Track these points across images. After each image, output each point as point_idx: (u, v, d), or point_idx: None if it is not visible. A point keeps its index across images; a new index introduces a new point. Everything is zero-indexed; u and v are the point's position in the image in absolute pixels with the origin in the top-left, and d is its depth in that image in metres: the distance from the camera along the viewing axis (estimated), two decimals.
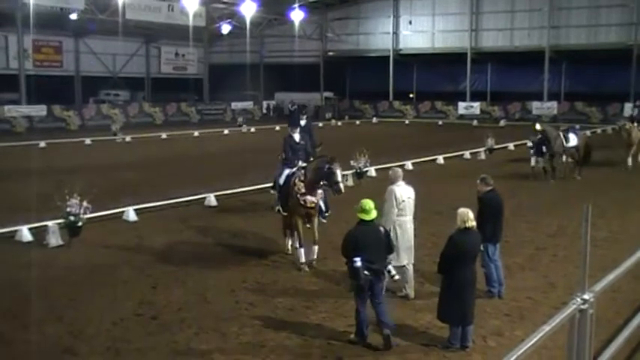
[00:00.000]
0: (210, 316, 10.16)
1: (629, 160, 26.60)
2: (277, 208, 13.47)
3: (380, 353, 8.77)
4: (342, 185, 12.45)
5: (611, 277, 6.23)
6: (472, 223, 9.04)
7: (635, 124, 27.17)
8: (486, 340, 9.16)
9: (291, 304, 10.62)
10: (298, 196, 12.65)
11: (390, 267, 9.27)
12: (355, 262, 8.77)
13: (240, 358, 8.62)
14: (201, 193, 19.66)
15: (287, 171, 13.37)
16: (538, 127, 23.69)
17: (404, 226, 10.80)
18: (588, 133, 38.27)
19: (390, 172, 11.36)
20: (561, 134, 23.52)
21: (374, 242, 9.00)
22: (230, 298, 10.93)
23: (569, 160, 24.48)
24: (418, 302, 10.65)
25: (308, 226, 12.78)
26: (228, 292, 11.22)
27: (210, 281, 11.87)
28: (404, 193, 10.83)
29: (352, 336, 9.17)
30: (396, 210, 10.72)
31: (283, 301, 10.76)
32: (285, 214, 13.17)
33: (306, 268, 12.46)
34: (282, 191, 13.23)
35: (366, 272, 8.80)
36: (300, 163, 13.40)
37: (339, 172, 12.34)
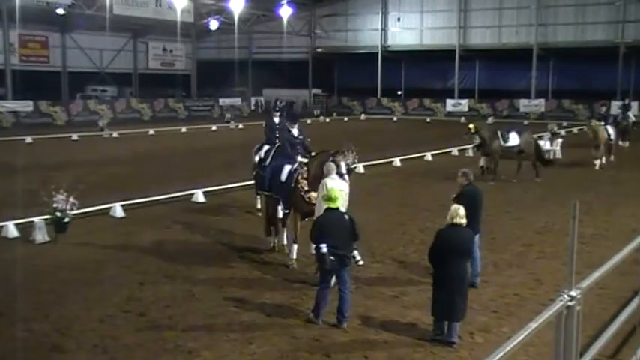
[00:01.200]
0: (198, 312, 10.14)
1: (597, 162, 26.06)
2: (261, 193, 13.28)
3: (368, 348, 8.78)
4: (347, 177, 12.61)
5: (597, 273, 6.26)
6: (461, 220, 9.06)
7: (603, 124, 26.79)
8: (473, 336, 9.20)
9: (279, 301, 10.62)
10: (302, 194, 12.66)
11: (355, 252, 9.66)
12: (321, 247, 9.36)
13: (228, 355, 8.61)
14: (188, 190, 19.62)
15: (288, 167, 13.23)
16: (471, 126, 23.14)
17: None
18: (563, 132, 38.50)
19: (325, 166, 11.68)
20: (499, 134, 22.64)
21: (339, 229, 9.47)
22: (218, 295, 10.91)
23: (522, 162, 23.19)
24: (406, 299, 10.68)
25: (307, 219, 12.74)
26: (216, 289, 11.20)
27: (198, 278, 11.85)
28: (335, 186, 11.02)
29: (310, 314, 9.65)
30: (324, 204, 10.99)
31: (271, 298, 10.75)
32: (287, 211, 13.07)
33: (295, 265, 12.45)
34: (285, 189, 13.03)
35: (331, 257, 9.33)
36: (299, 159, 13.42)
37: (343, 165, 12.50)
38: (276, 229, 13.58)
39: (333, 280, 9.82)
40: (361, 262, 9.86)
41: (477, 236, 11.03)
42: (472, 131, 23.07)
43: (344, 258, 9.48)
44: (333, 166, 11.64)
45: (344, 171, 12.40)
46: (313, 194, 12.45)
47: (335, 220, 9.60)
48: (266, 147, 16.07)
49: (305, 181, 12.70)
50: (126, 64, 64.44)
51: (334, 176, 11.47)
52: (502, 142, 22.44)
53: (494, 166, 22.72)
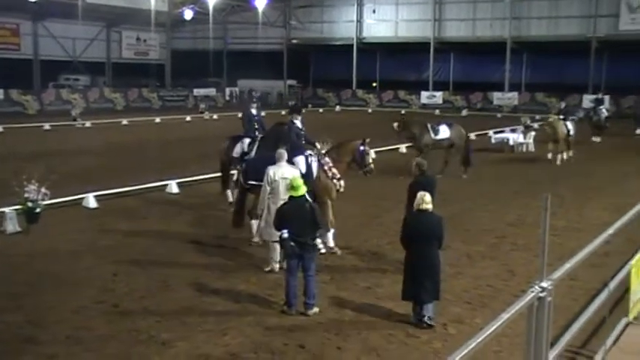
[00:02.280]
0: (172, 303, 10.12)
1: (557, 156, 25.57)
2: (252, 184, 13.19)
3: (342, 339, 8.83)
4: (372, 166, 13.44)
5: (568, 265, 6.36)
6: (427, 205, 9.34)
7: (562, 118, 26.44)
8: (447, 328, 9.29)
9: (254, 292, 10.63)
10: (335, 180, 13.03)
11: (317, 240, 9.91)
12: (282, 234, 9.76)
13: (202, 346, 8.61)
14: (163, 180, 19.53)
15: (302, 158, 13.11)
16: (395, 125, 23.05)
17: (276, 204, 11.09)
18: (536, 125, 38.62)
19: (276, 153, 11.96)
20: (429, 127, 22.54)
21: (299, 216, 9.78)
22: (192, 286, 10.89)
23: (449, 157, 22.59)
24: (380, 290, 10.74)
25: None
26: (191, 280, 11.18)
27: (173, 269, 11.81)
28: (278, 172, 11.43)
29: (284, 307, 9.80)
30: (269, 188, 11.44)
31: (246, 289, 10.76)
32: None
33: (339, 252, 12.58)
34: (309, 178, 12.73)
35: (292, 244, 9.67)
36: (307, 151, 13.50)
37: (372, 153, 13.30)
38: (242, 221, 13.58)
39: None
40: (323, 251, 10.05)
41: None
42: (398, 129, 23.11)
43: (304, 245, 9.72)
44: (284, 153, 11.89)
45: (371, 159, 13.53)
46: (342, 181, 13.03)
47: (295, 208, 9.92)
48: (247, 140, 16.17)
49: (335, 169, 13.10)
50: (99, 53, 63.66)
51: (282, 163, 11.71)
52: (433, 135, 22.37)
53: (445, 161, 22.29)
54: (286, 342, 8.75)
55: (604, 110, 35.51)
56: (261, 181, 12.11)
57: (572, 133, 26.34)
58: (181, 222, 15.58)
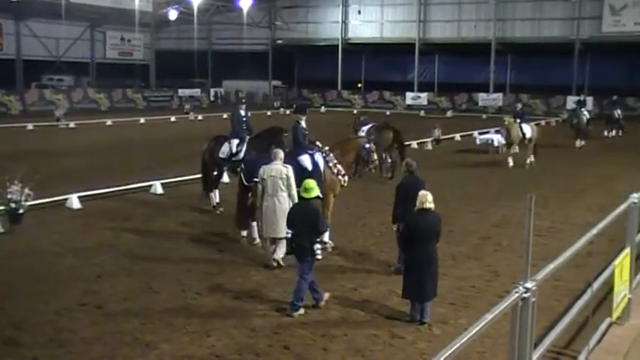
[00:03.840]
0: (156, 305, 10.08)
1: (510, 160, 24.91)
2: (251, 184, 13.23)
3: (327, 340, 8.83)
4: (377, 163, 14.16)
5: (552, 266, 6.38)
6: (430, 204, 9.45)
7: (518, 121, 25.56)
8: (431, 328, 9.31)
9: (239, 293, 10.61)
10: (340, 177, 13.31)
11: (316, 245, 9.95)
12: (288, 232, 10.12)
13: (186, 347, 8.58)
14: (147, 181, 19.45)
15: (306, 157, 13.32)
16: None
17: (267, 202, 11.71)
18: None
19: (272, 152, 12.38)
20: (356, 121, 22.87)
21: (302, 219, 9.96)
22: (177, 288, 10.85)
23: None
24: (365, 291, 10.75)
25: None
26: (175, 281, 11.14)
27: (157, 270, 11.77)
28: (267, 171, 11.77)
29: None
30: (260, 186, 11.89)
31: (231, 291, 10.73)
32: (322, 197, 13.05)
33: (330, 247, 12.67)
34: (317, 177, 12.83)
35: (292, 245, 10.00)
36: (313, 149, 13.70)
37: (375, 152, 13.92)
38: (252, 219, 13.51)
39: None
40: (319, 257, 10.03)
41: None
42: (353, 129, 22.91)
43: (303, 248, 9.85)
44: (280, 153, 12.19)
45: (376, 157, 14.23)
46: (346, 177, 13.39)
47: (298, 210, 10.20)
48: (235, 140, 16.18)
49: (340, 166, 13.36)
50: (83, 53, 63.34)
51: (277, 162, 11.93)
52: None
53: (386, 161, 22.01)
54: (271, 343, 8.74)
55: (585, 112, 34.00)
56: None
57: (528, 136, 25.25)
58: (166, 223, 15.52)
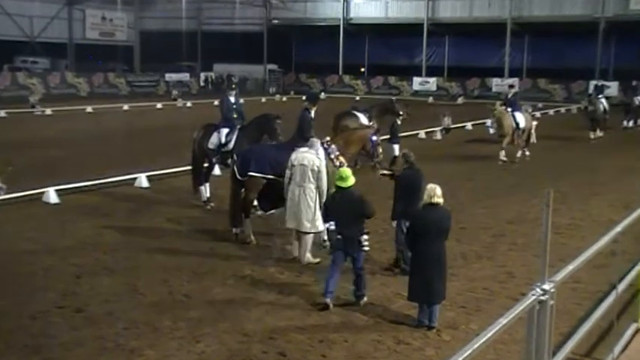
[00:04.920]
0: (141, 308, 10.09)
1: (502, 154, 23.92)
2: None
3: (327, 346, 8.85)
4: (382, 157, 14.36)
5: (572, 266, 6.39)
6: (438, 199, 9.46)
7: (509, 110, 24.67)
8: (440, 334, 9.33)
9: (231, 296, 10.63)
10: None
11: (364, 237, 10.17)
12: (330, 225, 10.30)
13: (173, 354, 8.60)
14: (131, 174, 19.45)
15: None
16: None
17: (293, 191, 12.02)
18: (538, 114, 38.66)
19: (310, 140, 12.79)
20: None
21: (347, 209, 10.15)
22: (163, 289, 10.87)
23: None
24: (368, 293, 10.74)
25: None
26: (161, 282, 11.16)
27: (142, 270, 11.79)
28: (298, 158, 11.97)
29: (322, 296, 10.22)
30: (288, 173, 12.15)
31: (222, 292, 10.76)
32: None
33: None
34: None
35: (338, 237, 10.11)
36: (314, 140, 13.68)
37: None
38: (246, 215, 13.54)
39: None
40: (366, 249, 10.34)
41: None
42: None
43: (351, 240, 10.11)
44: (316, 141, 12.60)
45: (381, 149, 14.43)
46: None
47: (342, 200, 10.36)
48: (225, 129, 16.16)
49: (343, 157, 13.44)
50: (60, 33, 63.09)
51: (311, 150, 12.25)
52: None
53: None
54: (265, 349, 8.76)
55: (603, 100, 32.23)
56: (263, 172, 12.90)
57: (522, 126, 24.44)
58: (151, 219, 15.53)
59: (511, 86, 28.38)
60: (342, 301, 10.37)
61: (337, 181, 10.54)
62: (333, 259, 10.33)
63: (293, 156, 12.14)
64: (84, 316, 9.77)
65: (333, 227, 10.22)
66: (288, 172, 12.13)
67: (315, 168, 12.00)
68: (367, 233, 10.34)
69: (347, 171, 10.60)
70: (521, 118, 24.70)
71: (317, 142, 12.65)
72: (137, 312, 9.94)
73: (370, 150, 14.24)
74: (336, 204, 10.38)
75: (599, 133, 31.22)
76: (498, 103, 26.95)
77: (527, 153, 24.85)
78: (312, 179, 11.94)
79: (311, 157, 12.12)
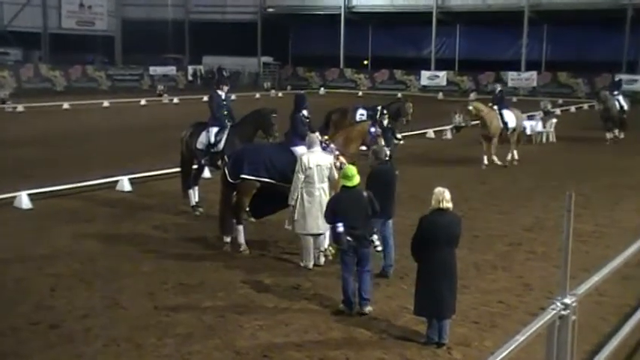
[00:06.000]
0: (122, 324, 10.07)
1: (485, 158, 23.52)
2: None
3: None
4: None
5: (596, 277, 6.39)
6: (447, 204, 9.42)
7: (496, 108, 24.05)
8: (451, 352, 9.30)
9: (222, 310, 10.61)
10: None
11: (374, 236, 10.46)
12: (337, 227, 10.39)
13: None
14: (112, 176, 19.44)
15: (302, 147, 13.43)
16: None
17: (312, 194, 12.28)
18: (558, 111, 38.63)
19: (307, 138, 12.94)
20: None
21: (355, 208, 10.43)
22: (147, 303, 10.85)
23: None
24: (371, 307, 10.75)
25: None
26: (146, 296, 11.14)
27: (124, 282, 11.76)
28: (312, 159, 12.28)
29: (340, 306, 10.47)
30: (302, 176, 12.30)
31: (212, 307, 10.74)
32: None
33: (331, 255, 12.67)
34: None
35: (348, 238, 10.30)
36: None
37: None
38: (238, 221, 13.53)
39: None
40: (379, 248, 10.73)
41: (389, 221, 11.97)
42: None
43: (362, 239, 10.38)
44: (315, 138, 12.81)
45: (383, 142, 14.62)
46: None
47: (350, 199, 10.58)
48: (214, 128, 16.14)
49: (343, 157, 13.64)
50: (33, 21, 63.11)
51: (315, 149, 12.54)
52: None
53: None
54: None
55: (620, 98, 31.02)
56: (257, 174, 13.00)
57: (511, 126, 23.77)
58: (134, 226, 15.52)
59: (497, 81, 28.10)
60: (343, 315, 10.36)
61: (343, 180, 10.75)
62: (344, 262, 10.50)
63: (305, 158, 12.34)
64: (59, 333, 9.74)
65: (341, 229, 10.34)
66: (301, 175, 12.28)
67: (330, 165, 12.46)
68: (376, 232, 10.64)
69: (352, 169, 10.79)
70: (510, 117, 24.04)
71: (316, 138, 12.84)
72: (118, 328, 9.91)
73: (370, 143, 14.27)
74: (344, 204, 10.53)
75: (618, 134, 30.49)
76: (472, 95, 26.80)
77: (517, 157, 24.04)
78: (325, 179, 12.38)
79: (324, 155, 12.57)
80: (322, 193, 12.28)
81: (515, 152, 24.05)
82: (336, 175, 12.40)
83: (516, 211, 17.32)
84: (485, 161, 23.43)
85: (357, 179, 10.66)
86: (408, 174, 21.43)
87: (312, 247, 12.48)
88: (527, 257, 13.63)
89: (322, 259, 12.53)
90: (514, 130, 24.02)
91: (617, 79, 35.92)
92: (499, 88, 25.84)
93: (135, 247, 13.86)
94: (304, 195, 12.30)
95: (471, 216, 16.04)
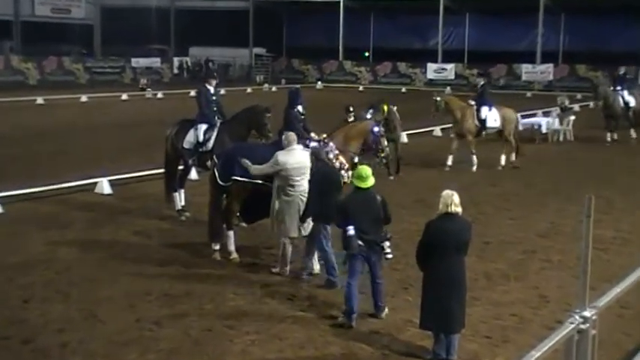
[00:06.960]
0: (101, 338, 10.06)
1: (450, 159, 22.96)
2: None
3: None
4: (388, 151, 14.80)
5: (618, 288, 6.39)
6: (456, 208, 9.37)
7: (473, 103, 23.27)
8: None
9: (209, 324, 10.60)
10: (342, 172, 13.74)
11: (386, 243, 10.44)
12: (348, 230, 10.40)
13: None
14: (90, 178, 19.44)
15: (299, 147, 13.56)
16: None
17: (290, 195, 12.33)
18: (576, 107, 38.58)
19: (283, 136, 12.95)
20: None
21: (367, 211, 10.49)
22: (129, 316, 10.84)
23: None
24: (373, 321, 10.74)
25: None
26: (127, 308, 11.13)
27: (103, 293, 11.75)
28: (290, 158, 12.27)
29: (340, 318, 10.51)
30: (284, 175, 12.29)
31: (198, 320, 10.73)
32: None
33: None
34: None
35: (359, 242, 10.36)
36: (313, 136, 14.36)
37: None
38: (228, 226, 13.54)
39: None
40: (390, 256, 10.65)
41: (328, 227, 12.00)
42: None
43: (373, 244, 10.44)
44: (293, 136, 12.73)
45: (385, 143, 15.03)
46: (350, 172, 13.71)
47: (362, 201, 10.62)
48: (203, 126, 16.15)
49: (343, 157, 13.88)
50: (3, 8, 62.93)
51: (294, 147, 12.50)
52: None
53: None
54: None
55: (624, 94, 30.23)
56: (250, 176, 12.88)
57: (493, 125, 22.90)
58: (115, 232, 15.51)
59: (480, 74, 27.31)
60: (343, 330, 10.36)
61: (356, 181, 10.76)
62: (351, 268, 10.56)
63: (281, 157, 12.28)
64: (33, 348, 9.74)
65: (352, 232, 10.37)
66: (283, 174, 12.28)
67: (308, 165, 12.47)
68: (389, 239, 10.63)
69: (367, 170, 10.81)
70: (491, 115, 22.91)
71: (293, 135, 12.81)
72: (96, 343, 9.90)
73: (372, 143, 14.32)
74: (356, 206, 10.57)
75: (633, 134, 30.10)
76: (448, 88, 26.34)
77: (514, 159, 23.38)
78: (306, 179, 12.38)
79: (303, 154, 12.62)
80: (301, 196, 12.31)
81: (512, 155, 23.22)
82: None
83: (530, 216, 17.33)
84: (449, 162, 22.85)
85: (371, 180, 10.68)
86: (413, 176, 21.50)
87: (290, 252, 12.54)
88: (543, 266, 13.63)
89: (317, 267, 12.56)
90: (501, 130, 23.11)
91: (621, 72, 34.32)
92: (482, 82, 24.59)
93: (115, 255, 13.85)
94: (281, 196, 12.39)
95: (481, 221, 16.04)
